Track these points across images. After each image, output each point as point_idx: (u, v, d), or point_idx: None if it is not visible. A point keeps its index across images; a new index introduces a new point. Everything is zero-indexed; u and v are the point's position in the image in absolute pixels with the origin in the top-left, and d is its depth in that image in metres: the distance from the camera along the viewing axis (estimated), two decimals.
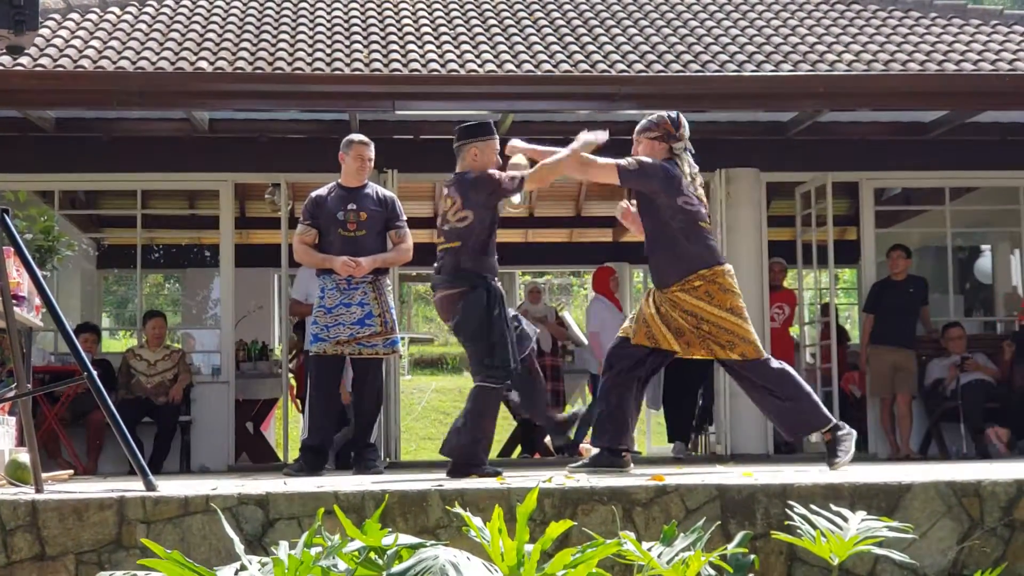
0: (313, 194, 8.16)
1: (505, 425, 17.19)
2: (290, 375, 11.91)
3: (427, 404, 21.61)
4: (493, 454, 16.29)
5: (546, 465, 10.12)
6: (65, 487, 5.92)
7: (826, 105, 10.66)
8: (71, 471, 8.41)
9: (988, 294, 14.41)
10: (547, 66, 10.36)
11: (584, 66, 10.41)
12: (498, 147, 7.07)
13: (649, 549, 4.41)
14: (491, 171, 6.90)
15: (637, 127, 6.90)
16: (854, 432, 6.65)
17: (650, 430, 16.04)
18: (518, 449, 13.56)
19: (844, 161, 11.68)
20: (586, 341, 15.76)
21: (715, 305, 6.52)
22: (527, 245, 17.57)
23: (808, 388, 6.68)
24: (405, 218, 8.20)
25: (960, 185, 12.47)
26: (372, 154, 8.17)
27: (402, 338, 11.23)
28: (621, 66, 10.44)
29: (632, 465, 6.76)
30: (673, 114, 6.84)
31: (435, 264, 7.04)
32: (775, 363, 6.68)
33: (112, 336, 24.75)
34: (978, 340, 11.84)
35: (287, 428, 11.63)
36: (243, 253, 13.33)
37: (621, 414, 6.71)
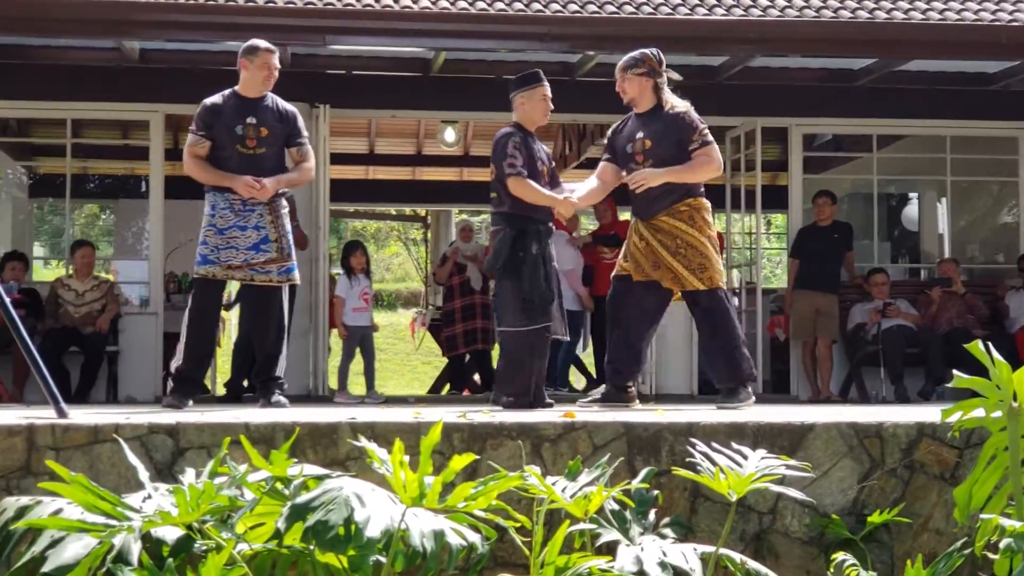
0: (207, 101, 7.40)
1: (438, 363, 17.26)
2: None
3: None
4: (423, 391, 16.40)
5: (475, 402, 10.18)
6: None
7: (757, 50, 10.71)
8: None
9: (914, 241, 14.60)
10: (481, 5, 10.34)
11: (519, 5, 10.39)
12: (547, 95, 7.30)
13: (554, 484, 4.50)
14: (501, 136, 7.20)
15: (621, 64, 7.30)
16: (753, 398, 7.15)
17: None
18: (447, 387, 13.63)
19: (774, 107, 11.73)
20: None
21: (696, 230, 7.08)
22: (462, 185, 17.58)
23: (740, 339, 7.19)
24: (307, 135, 7.61)
25: (888, 133, 12.60)
26: (278, 63, 7.50)
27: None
28: (556, 6, 10.44)
29: (637, 400, 7.21)
30: (655, 50, 7.28)
31: None
32: (731, 299, 7.37)
33: (46, 266, 24.54)
34: (902, 286, 12.02)
35: (216, 361, 11.61)
36: (176, 185, 13.22)
37: (628, 351, 7.19)
